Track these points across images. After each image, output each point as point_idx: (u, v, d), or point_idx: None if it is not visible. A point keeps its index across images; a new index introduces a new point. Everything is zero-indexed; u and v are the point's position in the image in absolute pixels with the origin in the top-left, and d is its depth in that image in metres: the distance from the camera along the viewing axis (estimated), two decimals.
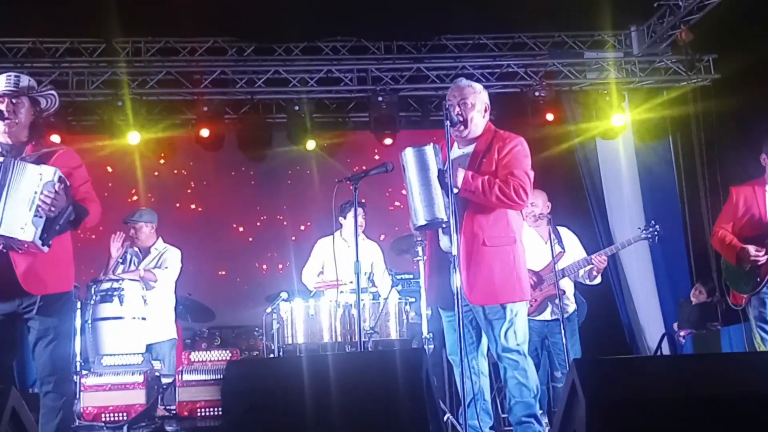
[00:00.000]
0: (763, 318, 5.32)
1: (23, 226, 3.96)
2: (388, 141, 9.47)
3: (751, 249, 5.27)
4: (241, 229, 10.32)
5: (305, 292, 6.87)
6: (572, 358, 5.30)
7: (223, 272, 10.14)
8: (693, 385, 3.13)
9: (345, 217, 6.90)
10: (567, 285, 6.36)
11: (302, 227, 9.68)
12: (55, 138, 7.51)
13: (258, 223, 10.39)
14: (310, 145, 9.54)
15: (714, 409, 3.02)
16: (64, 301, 4.26)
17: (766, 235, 5.30)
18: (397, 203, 9.80)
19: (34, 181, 4.02)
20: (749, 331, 5.46)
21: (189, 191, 10.29)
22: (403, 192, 4.60)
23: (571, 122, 9.56)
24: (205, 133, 9.33)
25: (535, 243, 6.19)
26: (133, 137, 9.10)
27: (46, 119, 4.46)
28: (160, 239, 7.19)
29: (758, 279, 5.28)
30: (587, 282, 6.40)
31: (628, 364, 3.52)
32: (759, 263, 5.25)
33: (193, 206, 10.24)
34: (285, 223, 10.09)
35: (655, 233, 6.26)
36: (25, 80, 4.32)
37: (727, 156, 8.41)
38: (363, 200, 6.48)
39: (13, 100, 4.22)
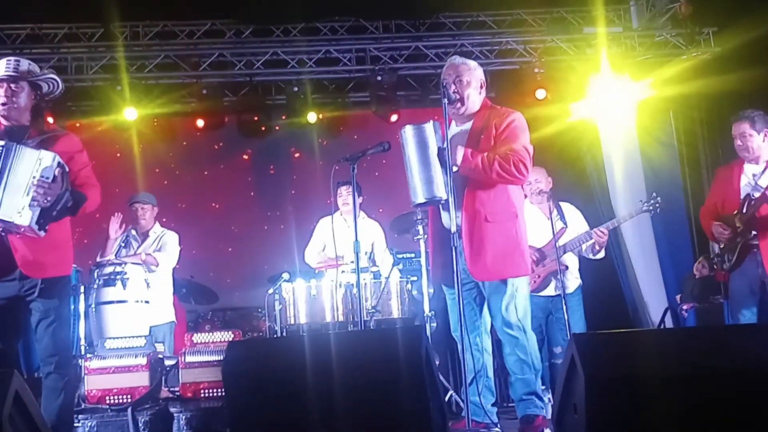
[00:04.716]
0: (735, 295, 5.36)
1: (20, 211, 3.97)
2: (391, 118, 9.32)
3: (718, 226, 5.35)
4: (241, 211, 10.31)
5: (307, 272, 6.88)
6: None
7: (225, 254, 10.15)
8: (693, 358, 3.12)
9: (335, 198, 6.90)
10: (571, 260, 6.36)
11: (303, 208, 9.65)
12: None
13: (259, 206, 10.38)
14: (311, 117, 9.39)
15: (715, 383, 3.03)
16: (63, 284, 4.29)
17: (737, 212, 5.33)
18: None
19: (32, 166, 4.01)
20: (731, 309, 5.48)
21: (189, 174, 10.27)
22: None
23: (570, 99, 9.50)
24: (200, 123, 9.30)
25: (538, 220, 6.20)
26: (130, 113, 8.88)
27: (48, 103, 4.44)
28: (157, 223, 7.22)
29: (733, 257, 5.32)
30: (590, 256, 6.40)
31: (626, 337, 3.51)
32: (725, 238, 5.32)
33: (193, 190, 10.23)
34: (285, 204, 10.08)
35: (657, 205, 6.27)
36: (25, 64, 4.29)
37: (728, 130, 8.36)
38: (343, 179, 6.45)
39: (12, 86, 4.21)
